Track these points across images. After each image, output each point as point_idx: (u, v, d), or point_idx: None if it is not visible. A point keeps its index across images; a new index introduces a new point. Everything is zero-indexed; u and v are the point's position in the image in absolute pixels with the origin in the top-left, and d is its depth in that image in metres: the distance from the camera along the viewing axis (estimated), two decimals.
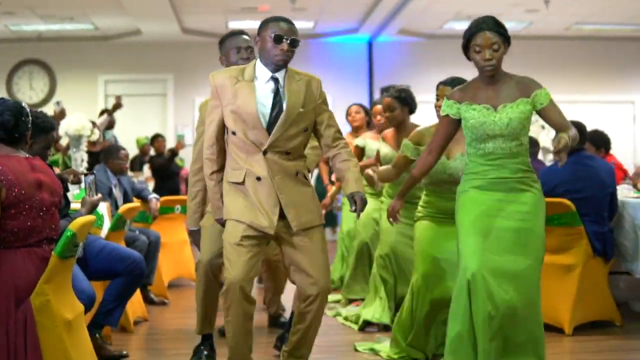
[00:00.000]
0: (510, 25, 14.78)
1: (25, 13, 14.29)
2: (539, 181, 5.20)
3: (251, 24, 15.66)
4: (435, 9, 14.72)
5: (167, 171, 13.87)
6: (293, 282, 5.15)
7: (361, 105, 9.47)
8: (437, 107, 5.96)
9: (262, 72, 4.97)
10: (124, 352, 6.20)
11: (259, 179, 4.92)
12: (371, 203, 7.02)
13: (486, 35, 5.02)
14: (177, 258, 9.99)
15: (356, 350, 6.45)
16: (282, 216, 4.94)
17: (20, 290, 4.31)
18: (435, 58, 16.25)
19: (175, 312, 8.44)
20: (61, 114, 10.67)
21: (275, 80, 4.96)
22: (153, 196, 8.91)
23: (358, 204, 4.95)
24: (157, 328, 7.57)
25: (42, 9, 14.17)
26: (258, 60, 5.02)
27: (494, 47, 5.02)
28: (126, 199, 8.46)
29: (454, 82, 5.93)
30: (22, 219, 4.40)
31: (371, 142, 8.15)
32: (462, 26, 15.93)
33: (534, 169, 5.21)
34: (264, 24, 4.99)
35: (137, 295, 7.35)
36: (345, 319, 7.56)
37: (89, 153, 9.97)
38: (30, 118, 4.69)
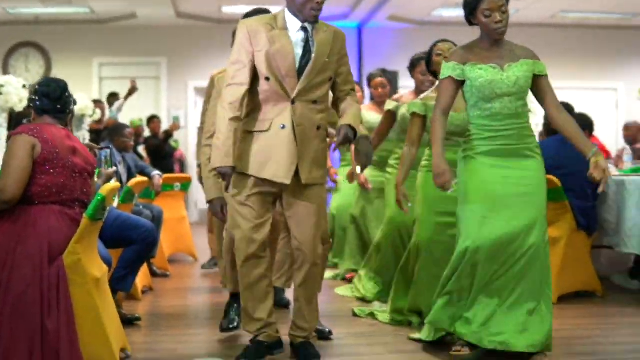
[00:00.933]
0: None
1: None
2: (540, 147, 5.42)
3: (245, 9, 15.95)
4: None
5: (161, 152, 14.21)
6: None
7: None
8: (437, 65, 6.18)
9: (292, 22, 5.16)
10: (137, 315, 6.57)
11: (283, 127, 5.10)
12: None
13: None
14: (176, 233, 10.37)
15: (355, 314, 6.81)
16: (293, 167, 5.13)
17: (53, 247, 4.68)
18: (423, 44, 16.33)
19: (176, 284, 8.85)
20: None
21: (305, 29, 5.16)
22: (156, 173, 9.26)
23: (342, 134, 5.11)
24: (162, 297, 7.95)
25: None
26: (286, 10, 5.20)
27: (502, 9, 5.22)
28: (130, 176, 8.80)
29: (448, 41, 6.31)
30: (55, 176, 4.80)
31: (367, 113, 8.42)
32: (451, 13, 16.35)
33: None
34: None
35: (143, 266, 7.70)
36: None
37: (93, 131, 10.33)
38: (72, 99, 5.13)
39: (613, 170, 8.45)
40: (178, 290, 8.48)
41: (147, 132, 14.90)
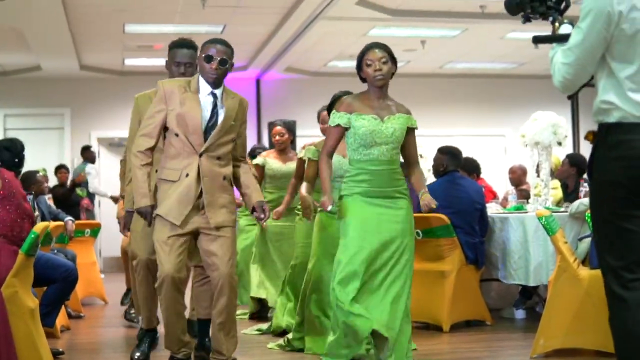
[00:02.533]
0: None
1: None
2: (408, 188, 6.13)
3: (146, 62, 16.51)
4: (319, 49, 15.71)
5: (68, 200, 14.54)
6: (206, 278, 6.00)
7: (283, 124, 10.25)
8: (323, 131, 7.18)
9: (204, 87, 5.81)
10: (60, 350, 6.98)
11: (187, 175, 5.71)
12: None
13: (375, 52, 5.99)
14: (88, 277, 10.74)
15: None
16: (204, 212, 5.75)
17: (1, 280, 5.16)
18: (319, 94, 16.94)
19: (90, 323, 9.30)
20: None
21: (214, 95, 5.80)
22: (69, 218, 9.65)
23: (266, 210, 5.89)
24: (79, 335, 8.37)
25: None
26: (200, 75, 5.85)
27: (383, 60, 5.97)
28: (43, 220, 9.18)
29: (330, 106, 6.93)
30: (9, 212, 5.31)
31: (271, 160, 9.00)
32: (345, 64, 17.05)
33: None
34: (202, 46, 5.83)
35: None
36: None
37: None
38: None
39: (499, 208, 9.18)
40: (93, 328, 8.94)
41: (53, 182, 15.19)
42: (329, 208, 5.88)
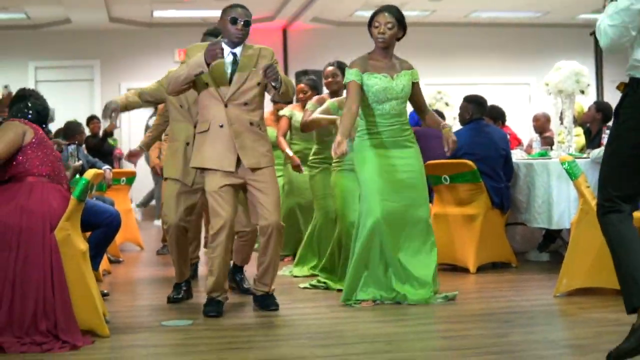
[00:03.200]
0: (414, 14, 16.22)
1: None
2: (414, 137, 6.80)
3: (175, 13, 16.74)
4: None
5: (100, 151, 14.82)
6: (256, 223, 6.47)
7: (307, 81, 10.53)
8: (327, 85, 8.01)
9: (225, 49, 6.28)
10: (105, 291, 7.32)
11: (221, 126, 6.25)
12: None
13: (384, 15, 6.60)
14: (124, 224, 10.93)
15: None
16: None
17: (53, 220, 5.48)
18: (345, 44, 17.10)
19: (129, 267, 9.71)
20: (9, 97, 11.68)
21: (234, 54, 6.31)
22: (106, 167, 9.95)
23: (270, 69, 6.13)
24: (119, 278, 8.74)
25: None
26: (222, 38, 6.34)
27: (389, 25, 6.58)
28: (82, 170, 9.50)
29: (338, 63, 7.92)
30: (47, 155, 5.72)
31: (298, 113, 9.26)
32: (370, 14, 17.12)
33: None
34: (224, 10, 6.34)
35: None
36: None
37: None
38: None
39: (523, 154, 9.44)
40: (132, 271, 9.39)
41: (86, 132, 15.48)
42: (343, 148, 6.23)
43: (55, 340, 5.31)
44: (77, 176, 7.94)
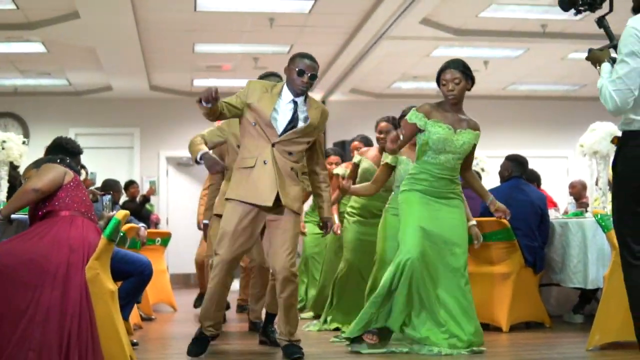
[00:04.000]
0: None
1: (7, 67, 15.36)
2: (462, 192, 6.87)
3: (215, 82, 16.91)
4: (383, 70, 16.00)
5: (139, 215, 14.92)
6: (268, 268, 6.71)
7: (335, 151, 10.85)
8: (381, 140, 8.05)
9: (286, 94, 6.43)
10: (134, 341, 7.31)
11: (265, 162, 6.29)
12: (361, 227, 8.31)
13: (451, 72, 6.69)
14: (158, 285, 11.08)
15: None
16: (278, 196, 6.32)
17: (90, 251, 5.53)
18: (383, 115, 17.26)
19: (161, 324, 9.65)
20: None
21: (295, 102, 6.40)
22: (141, 225, 10.03)
23: (329, 227, 6.61)
24: (150, 332, 8.72)
25: (23, 64, 15.24)
26: (285, 83, 6.47)
27: (455, 81, 6.67)
28: None
29: (388, 119, 8.08)
30: (83, 196, 5.74)
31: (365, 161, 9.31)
32: (408, 86, 17.31)
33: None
34: (292, 59, 6.46)
35: (134, 308, 8.45)
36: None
37: None
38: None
39: (558, 215, 9.40)
40: (164, 327, 9.31)
41: (123, 197, 15.60)
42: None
43: None
44: None
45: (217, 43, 14.15)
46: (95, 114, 17.86)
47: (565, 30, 13.30)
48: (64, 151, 6.68)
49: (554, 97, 18.81)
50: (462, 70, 6.70)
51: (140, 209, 15.01)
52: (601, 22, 5.25)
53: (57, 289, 5.42)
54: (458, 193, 6.77)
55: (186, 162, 18.03)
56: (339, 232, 8.88)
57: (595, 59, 5.15)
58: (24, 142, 8.91)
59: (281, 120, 6.35)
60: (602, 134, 8.92)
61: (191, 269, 15.36)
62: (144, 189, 16.63)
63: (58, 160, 6.10)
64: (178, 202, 17.84)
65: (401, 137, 6.70)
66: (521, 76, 16.89)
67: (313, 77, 6.37)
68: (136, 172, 17.90)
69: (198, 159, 6.63)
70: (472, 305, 6.63)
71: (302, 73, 6.33)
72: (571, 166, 18.66)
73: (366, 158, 8.48)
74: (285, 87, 6.46)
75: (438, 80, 6.78)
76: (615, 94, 4.77)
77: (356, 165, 8.95)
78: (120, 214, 5.75)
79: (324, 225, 6.71)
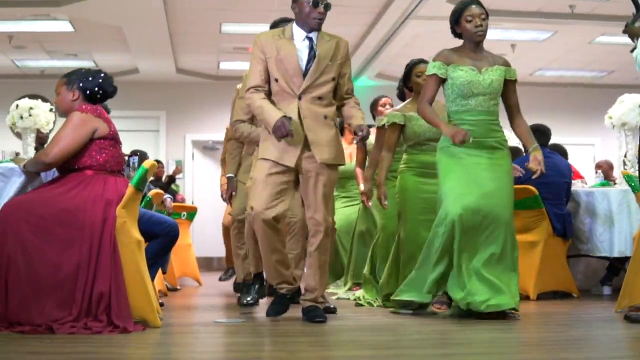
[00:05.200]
0: None
1: (35, 47, 15.38)
2: (507, 140, 6.42)
3: (240, 65, 16.90)
4: (410, 53, 15.90)
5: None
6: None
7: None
8: (416, 85, 7.29)
9: (298, 33, 6.11)
10: (161, 301, 7.29)
11: (290, 119, 5.91)
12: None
13: (475, 7, 6.27)
14: (183, 259, 11.13)
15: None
16: (309, 150, 6.04)
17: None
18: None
19: (186, 295, 9.67)
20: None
21: (310, 39, 6.11)
22: (167, 196, 10.05)
23: (364, 131, 5.96)
24: (175, 300, 8.71)
25: (50, 44, 15.27)
26: (294, 23, 6.15)
27: (482, 16, 6.27)
28: (143, 195, 9.58)
29: (422, 61, 7.38)
30: (118, 149, 5.66)
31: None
32: None
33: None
34: None
35: (158, 273, 8.44)
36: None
37: None
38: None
39: (583, 186, 9.35)
40: (189, 297, 9.30)
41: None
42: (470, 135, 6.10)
43: (107, 325, 5.28)
44: None
45: (244, 23, 14.08)
46: (122, 97, 17.31)
47: (594, 11, 13.20)
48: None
49: (582, 83, 18.69)
50: (484, 8, 6.33)
51: (166, 189, 14.99)
52: None
53: (88, 243, 5.39)
54: (501, 142, 6.33)
55: (212, 145, 18.04)
56: (369, 203, 8.73)
57: (633, 32, 5.34)
58: (50, 110, 8.88)
59: (302, 62, 6.07)
60: (630, 105, 8.86)
61: (215, 252, 15.44)
62: (169, 171, 16.63)
63: (97, 110, 5.84)
64: (203, 185, 17.79)
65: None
66: (549, 61, 16.79)
67: (328, 6, 6.05)
68: (162, 155, 17.85)
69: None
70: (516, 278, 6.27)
71: (317, 4, 6.00)
72: (597, 154, 18.53)
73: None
74: (295, 27, 6.15)
75: (458, 18, 6.30)
76: None
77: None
78: (148, 163, 5.73)
79: (357, 130, 6.02)
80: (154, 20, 13.38)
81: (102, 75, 5.93)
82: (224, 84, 17.62)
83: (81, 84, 5.84)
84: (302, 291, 6.32)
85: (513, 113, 6.49)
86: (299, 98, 6.06)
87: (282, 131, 5.83)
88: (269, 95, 6.14)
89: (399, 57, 16.00)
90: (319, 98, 6.08)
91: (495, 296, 6.04)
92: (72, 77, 5.89)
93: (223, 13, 13.52)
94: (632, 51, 5.62)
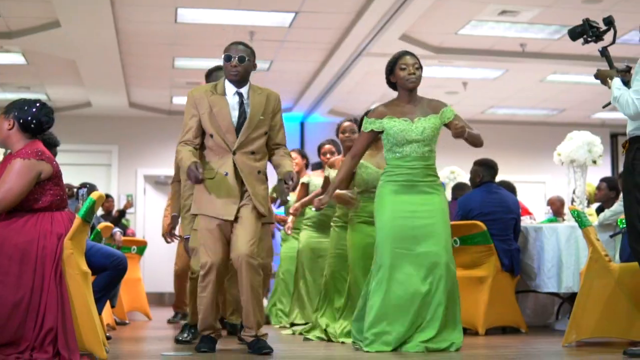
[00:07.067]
0: None
1: None
2: (442, 186, 6.62)
3: None
4: (362, 90, 16.03)
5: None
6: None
7: (298, 150, 10.76)
8: (342, 140, 7.71)
9: (230, 88, 6.23)
10: (108, 335, 7.23)
11: (226, 174, 6.11)
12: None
13: (409, 58, 6.48)
14: (132, 293, 11.06)
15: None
16: (245, 200, 6.16)
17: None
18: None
19: (135, 328, 9.57)
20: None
21: (240, 94, 6.22)
22: (117, 229, 10.00)
23: (294, 179, 6.10)
24: (123, 333, 8.65)
25: (1, 77, 15.20)
26: (225, 78, 6.26)
27: (416, 65, 6.46)
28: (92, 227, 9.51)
29: (351, 119, 7.80)
30: (61, 187, 5.64)
31: (315, 178, 9.29)
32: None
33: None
34: (223, 51, 6.21)
35: (107, 307, 8.38)
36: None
37: None
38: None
39: (532, 222, 9.43)
40: (138, 330, 9.23)
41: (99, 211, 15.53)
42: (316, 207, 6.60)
43: (54, 357, 5.24)
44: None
45: (197, 57, 14.11)
46: (74, 131, 17.74)
47: (544, 50, 13.37)
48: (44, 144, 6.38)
49: (533, 122, 18.90)
50: (418, 59, 6.51)
51: (116, 223, 14.91)
52: (604, 52, 6.04)
53: (36, 277, 5.36)
54: (435, 186, 6.49)
55: (164, 180, 17.97)
56: (289, 232, 9.04)
57: (605, 75, 5.83)
58: None
59: (234, 119, 6.17)
60: (579, 143, 8.96)
61: (165, 287, 15.37)
62: (120, 205, 16.54)
63: (38, 153, 5.72)
64: (155, 220, 17.66)
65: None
66: (500, 99, 16.96)
67: (241, 59, 6.13)
68: (114, 189, 17.77)
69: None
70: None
71: (229, 58, 6.13)
72: (549, 191, 18.66)
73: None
74: (226, 82, 6.27)
75: (392, 68, 6.51)
76: (638, 102, 5.59)
77: (305, 185, 9.00)
78: (96, 194, 5.72)
79: (286, 178, 6.15)
80: (107, 54, 13.35)
81: (38, 105, 5.83)
82: (176, 118, 17.58)
83: (16, 113, 5.78)
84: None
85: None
86: (234, 153, 6.17)
87: (192, 177, 5.96)
88: (201, 149, 6.27)
89: (352, 93, 16.14)
90: (252, 153, 6.22)
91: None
92: (10, 107, 5.85)
93: (176, 48, 13.55)
94: (606, 106, 6.36)
